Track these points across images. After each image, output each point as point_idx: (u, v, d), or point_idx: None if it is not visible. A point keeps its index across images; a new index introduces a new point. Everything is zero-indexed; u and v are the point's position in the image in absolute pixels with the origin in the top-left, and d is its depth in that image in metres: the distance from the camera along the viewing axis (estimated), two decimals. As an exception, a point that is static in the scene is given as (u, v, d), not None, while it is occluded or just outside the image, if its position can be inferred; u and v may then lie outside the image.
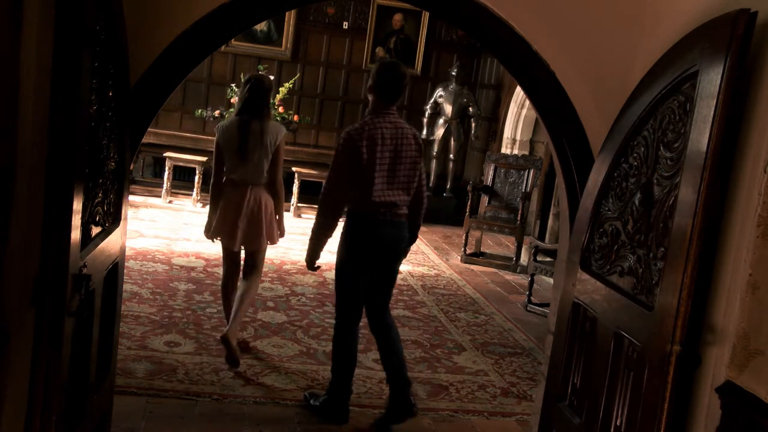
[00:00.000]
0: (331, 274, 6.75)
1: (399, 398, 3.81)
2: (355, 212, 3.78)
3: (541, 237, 7.75)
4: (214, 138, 4.46)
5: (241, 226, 4.36)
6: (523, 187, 8.15)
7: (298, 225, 9.01)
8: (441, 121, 10.16)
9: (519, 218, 7.94)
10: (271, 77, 9.22)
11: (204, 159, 9.12)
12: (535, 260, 6.60)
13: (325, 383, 4.25)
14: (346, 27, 10.41)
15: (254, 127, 4.34)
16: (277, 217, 4.52)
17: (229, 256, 4.53)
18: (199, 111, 9.52)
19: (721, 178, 2.20)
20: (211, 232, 4.45)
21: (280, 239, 4.63)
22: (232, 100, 9.24)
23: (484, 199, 8.42)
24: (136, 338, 4.56)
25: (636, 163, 2.63)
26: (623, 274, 2.59)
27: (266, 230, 4.43)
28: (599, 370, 2.68)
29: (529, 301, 6.49)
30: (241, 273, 4.56)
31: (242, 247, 4.49)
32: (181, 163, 9.28)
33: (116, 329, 2.91)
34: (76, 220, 2.07)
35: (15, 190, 1.78)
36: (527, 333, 5.72)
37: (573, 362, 2.92)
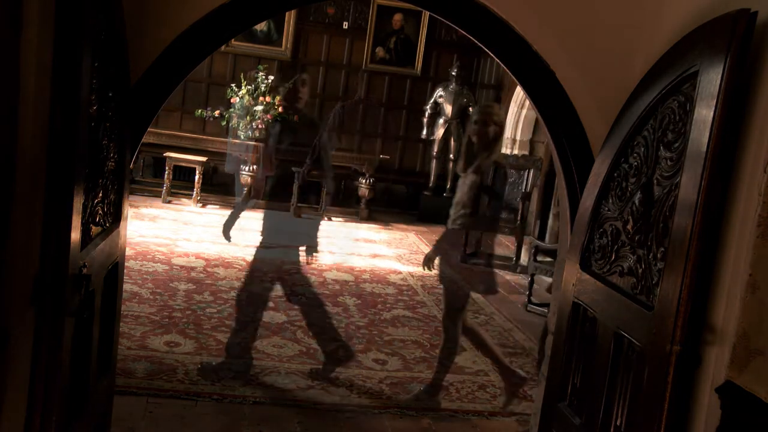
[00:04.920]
0: (330, 274, 6.77)
1: None
2: None
3: (541, 237, 7.75)
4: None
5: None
6: (523, 187, 8.15)
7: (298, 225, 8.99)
8: (441, 121, 10.15)
9: (519, 218, 7.93)
10: (271, 77, 9.25)
11: (204, 159, 9.12)
12: (535, 260, 6.59)
13: (325, 383, 4.27)
14: (346, 27, 10.40)
15: None
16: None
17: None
18: (199, 111, 9.51)
19: (721, 178, 2.20)
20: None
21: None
22: (232, 100, 9.24)
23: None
24: (136, 338, 4.56)
25: (636, 163, 2.62)
26: (623, 274, 2.59)
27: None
28: (599, 370, 2.67)
29: (529, 301, 6.49)
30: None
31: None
32: (181, 163, 9.28)
33: (116, 329, 2.91)
34: (76, 220, 2.07)
35: (15, 189, 1.78)
36: (527, 333, 5.72)
37: (573, 362, 2.92)
